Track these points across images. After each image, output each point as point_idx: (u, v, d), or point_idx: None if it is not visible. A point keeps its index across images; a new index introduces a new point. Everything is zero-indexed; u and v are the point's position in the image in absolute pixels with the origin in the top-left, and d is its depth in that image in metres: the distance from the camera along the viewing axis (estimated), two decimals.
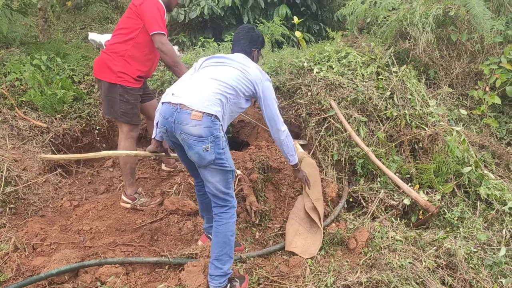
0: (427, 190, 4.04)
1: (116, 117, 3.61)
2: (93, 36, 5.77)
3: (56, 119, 4.38)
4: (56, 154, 4.26)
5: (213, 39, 6.85)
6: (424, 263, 3.11)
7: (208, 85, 2.61)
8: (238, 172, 3.84)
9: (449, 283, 3.04)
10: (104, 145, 4.52)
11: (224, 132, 2.66)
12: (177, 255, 3.06)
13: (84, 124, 4.38)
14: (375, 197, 3.93)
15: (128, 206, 3.68)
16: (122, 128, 3.67)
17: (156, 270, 3.02)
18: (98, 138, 4.46)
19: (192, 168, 2.91)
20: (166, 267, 3.02)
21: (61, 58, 5.19)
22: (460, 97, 5.38)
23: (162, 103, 2.64)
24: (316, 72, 4.72)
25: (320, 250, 3.36)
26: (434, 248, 3.26)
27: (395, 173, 4.07)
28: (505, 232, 3.52)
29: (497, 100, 4.69)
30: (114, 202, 3.68)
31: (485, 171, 4.12)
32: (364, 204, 3.95)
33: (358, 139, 4.16)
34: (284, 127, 2.96)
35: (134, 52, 3.51)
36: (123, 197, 3.71)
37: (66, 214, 3.58)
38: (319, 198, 3.62)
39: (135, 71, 3.54)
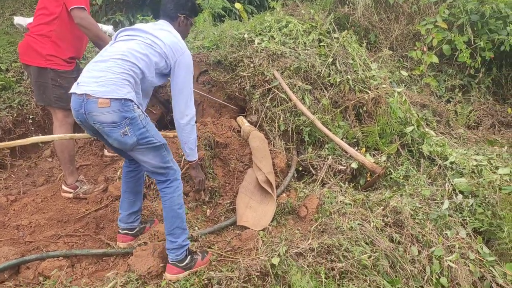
0: (373, 152, 4.12)
1: (50, 103, 3.42)
2: (18, 20, 5.34)
3: None
4: None
5: (151, 16, 6.58)
6: (372, 223, 3.18)
7: (112, 67, 2.40)
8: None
9: (397, 240, 3.12)
10: (40, 134, 4.25)
11: (143, 110, 2.53)
12: None
13: (15, 115, 4.10)
14: (324, 164, 3.95)
15: (70, 195, 3.51)
16: (56, 115, 3.47)
17: (104, 258, 2.92)
18: (33, 128, 4.19)
19: (120, 151, 2.81)
20: (114, 256, 2.92)
21: None
22: (401, 59, 5.48)
23: (70, 93, 2.45)
24: (258, 43, 4.63)
25: (272, 221, 3.36)
26: (381, 207, 3.33)
27: (341, 139, 4.11)
28: (448, 186, 3.65)
29: (435, 59, 4.81)
30: (55, 193, 3.50)
31: (427, 129, 4.24)
32: (313, 171, 3.97)
33: (303, 108, 4.15)
34: (190, 113, 2.69)
35: (61, 32, 3.31)
36: (63, 187, 3.53)
37: (3, 210, 3.36)
38: (271, 171, 3.60)
39: (65, 52, 3.36)
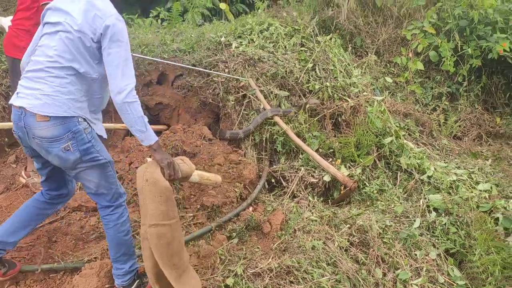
0: (350, 164, 3.95)
1: None
2: None
3: None
4: None
5: (136, 15, 6.45)
6: (336, 242, 3.02)
7: (47, 77, 2.18)
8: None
9: (361, 261, 2.96)
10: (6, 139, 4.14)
11: (92, 120, 2.33)
12: (75, 259, 2.82)
13: None
14: (296, 176, 3.80)
15: (24, 181, 3.59)
16: None
17: (51, 275, 2.78)
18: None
19: (50, 177, 2.50)
20: (62, 272, 2.79)
21: None
22: (388, 64, 5.29)
23: (10, 104, 2.26)
24: (235, 47, 4.48)
25: (233, 237, 3.20)
26: (348, 226, 3.17)
27: (317, 149, 3.95)
28: (422, 202, 3.48)
29: (420, 66, 4.61)
30: (11, 202, 3.37)
31: (405, 141, 4.05)
32: (285, 183, 3.82)
33: (277, 118, 3.99)
34: (127, 87, 2.14)
35: (38, 22, 3.29)
36: (22, 172, 3.62)
37: None
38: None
39: None
